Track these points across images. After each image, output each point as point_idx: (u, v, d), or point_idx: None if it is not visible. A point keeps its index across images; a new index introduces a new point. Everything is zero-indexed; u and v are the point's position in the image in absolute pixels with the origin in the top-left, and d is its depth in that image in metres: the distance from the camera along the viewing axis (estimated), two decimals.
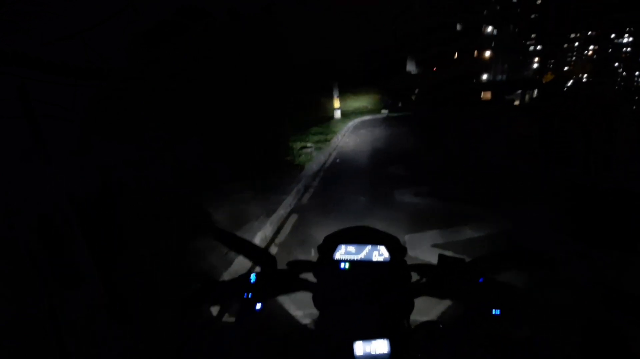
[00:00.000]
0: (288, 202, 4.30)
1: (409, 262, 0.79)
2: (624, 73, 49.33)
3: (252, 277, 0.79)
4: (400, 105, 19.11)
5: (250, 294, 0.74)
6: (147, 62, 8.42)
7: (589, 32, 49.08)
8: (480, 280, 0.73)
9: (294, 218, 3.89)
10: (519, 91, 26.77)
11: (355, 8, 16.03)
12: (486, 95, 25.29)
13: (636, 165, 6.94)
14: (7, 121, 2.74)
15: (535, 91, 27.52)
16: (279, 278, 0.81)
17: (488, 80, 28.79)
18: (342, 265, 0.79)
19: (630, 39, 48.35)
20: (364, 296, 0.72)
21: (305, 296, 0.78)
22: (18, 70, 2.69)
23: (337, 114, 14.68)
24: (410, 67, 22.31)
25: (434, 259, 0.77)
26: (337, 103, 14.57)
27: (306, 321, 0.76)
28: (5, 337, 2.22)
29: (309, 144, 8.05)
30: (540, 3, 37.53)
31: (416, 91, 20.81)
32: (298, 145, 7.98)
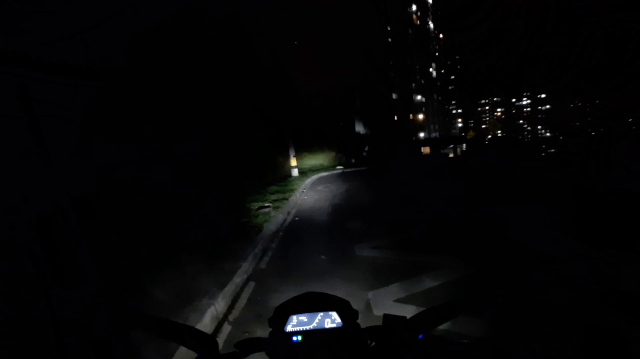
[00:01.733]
0: (244, 269, 3.91)
1: (371, 322, 0.79)
2: (529, 128, 65.21)
3: None
4: (353, 161, 20.62)
5: None
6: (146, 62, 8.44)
7: (494, 98, 66.85)
8: (420, 336, 0.73)
9: (250, 287, 3.59)
10: (451, 146, 32.33)
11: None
12: (425, 149, 29.94)
13: (636, 166, 6.95)
14: (7, 121, 2.75)
15: (464, 145, 33.61)
16: None
17: (425, 137, 36.31)
18: (295, 338, 0.75)
19: (529, 101, 65.52)
20: None
21: None
22: (18, 70, 2.69)
23: (295, 172, 15.35)
24: (359, 128, 25.28)
25: (399, 313, 0.78)
26: (294, 161, 15.39)
27: None
28: (5, 337, 2.23)
29: (266, 204, 7.76)
30: (454, 78, 53.65)
31: (366, 148, 23.05)
32: (256, 205, 7.76)
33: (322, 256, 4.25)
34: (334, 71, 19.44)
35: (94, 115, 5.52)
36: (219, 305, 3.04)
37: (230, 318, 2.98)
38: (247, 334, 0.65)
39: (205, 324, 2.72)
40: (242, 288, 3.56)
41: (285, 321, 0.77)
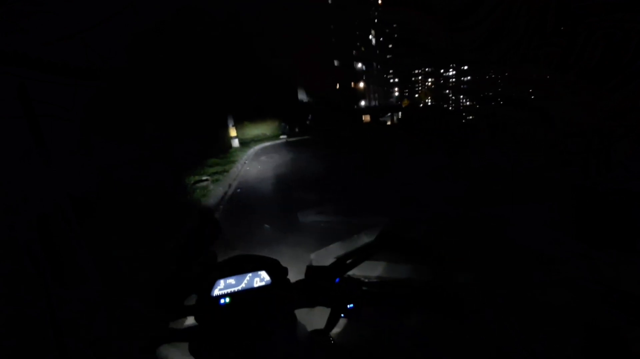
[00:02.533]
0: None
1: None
2: (453, 97, 66.88)
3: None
4: (297, 130, 20.47)
5: None
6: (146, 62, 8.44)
7: (427, 69, 68.65)
8: (337, 280, 0.77)
9: None
10: (389, 114, 34.26)
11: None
12: (366, 118, 30.80)
13: (636, 166, 6.95)
14: (7, 121, 2.75)
15: (400, 113, 35.16)
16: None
17: (366, 106, 37.43)
18: (222, 301, 0.76)
19: (454, 72, 67.63)
20: (246, 327, 0.72)
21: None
22: (18, 70, 2.69)
23: (235, 143, 14.58)
24: (302, 96, 25.15)
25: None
26: (233, 131, 14.53)
27: None
28: (5, 337, 2.22)
29: (204, 177, 7.20)
30: (391, 47, 53.88)
31: (310, 117, 22.99)
32: (192, 179, 7.14)
33: (266, 226, 4.25)
34: (277, 36, 19.12)
35: (94, 115, 5.51)
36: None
37: None
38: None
39: None
40: None
41: (212, 286, 0.77)
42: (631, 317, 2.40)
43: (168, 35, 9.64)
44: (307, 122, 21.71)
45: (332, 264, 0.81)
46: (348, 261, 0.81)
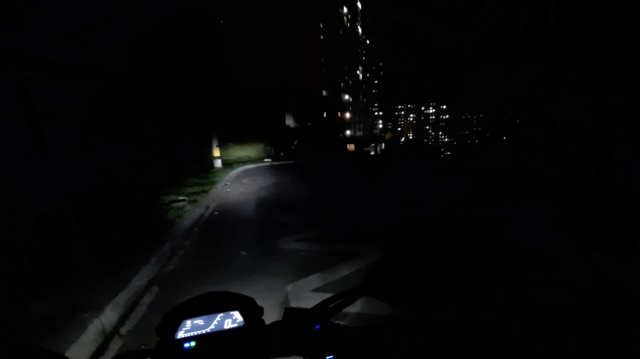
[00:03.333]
0: (145, 273, 3.43)
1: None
2: (432, 133, 79.35)
3: None
4: (282, 154, 20.72)
5: None
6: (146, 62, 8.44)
7: (409, 105, 79.52)
8: (317, 327, 0.71)
9: (152, 293, 3.16)
10: (373, 144, 36.86)
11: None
12: (351, 146, 32.28)
13: (636, 166, 6.95)
14: (7, 121, 2.75)
15: (383, 144, 38.51)
16: None
17: (351, 135, 39.73)
18: (187, 345, 0.68)
19: (433, 110, 79.02)
20: None
21: None
22: (18, 70, 2.69)
23: (218, 163, 14.10)
24: (289, 121, 25.73)
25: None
26: (217, 152, 14.29)
27: None
28: (5, 337, 2.22)
29: (180, 197, 6.99)
30: (378, 83, 62.16)
31: (295, 142, 23.34)
32: (167, 199, 6.87)
33: (243, 252, 4.06)
34: (268, 63, 19.78)
35: (94, 115, 5.51)
36: (108, 317, 2.64)
37: (123, 330, 2.61)
38: (143, 347, 0.61)
39: (87, 341, 2.32)
40: (140, 296, 3.12)
41: (176, 327, 0.69)
42: (631, 317, 2.40)
43: (168, 35, 9.65)
44: (292, 147, 21.95)
45: (315, 307, 0.74)
46: (331, 305, 0.75)
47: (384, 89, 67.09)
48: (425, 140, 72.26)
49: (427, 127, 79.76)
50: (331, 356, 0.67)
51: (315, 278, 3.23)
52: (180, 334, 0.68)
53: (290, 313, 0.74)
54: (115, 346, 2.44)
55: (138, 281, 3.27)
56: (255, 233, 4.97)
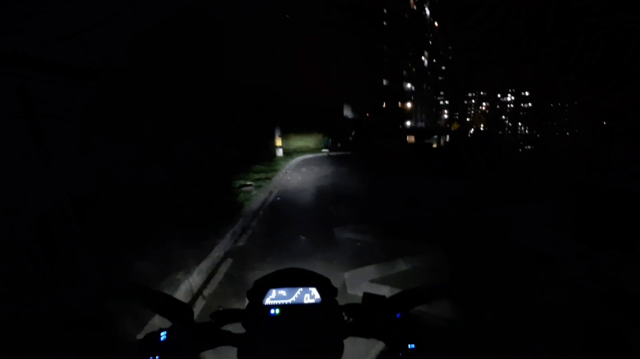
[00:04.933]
0: (222, 246, 3.93)
1: (345, 301, 0.80)
2: (510, 124, 67.07)
3: (163, 335, 0.69)
4: (339, 145, 20.74)
5: (157, 356, 0.66)
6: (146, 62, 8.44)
7: (481, 92, 67.73)
8: (398, 315, 0.74)
9: (227, 263, 3.61)
10: (435, 136, 33.14)
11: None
12: (410, 138, 30.03)
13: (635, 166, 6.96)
14: (7, 121, 2.75)
15: (447, 136, 33.59)
16: (198, 332, 0.74)
17: (411, 126, 36.89)
18: (273, 311, 0.76)
19: (512, 97, 66.54)
20: (295, 344, 0.71)
21: (234, 353, 0.72)
22: (18, 70, 2.69)
23: (279, 152, 15.21)
24: (347, 112, 25.21)
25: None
26: (279, 141, 15.28)
27: None
28: (5, 337, 2.23)
29: (248, 182, 7.78)
30: (445, 69, 52.91)
31: (353, 133, 22.98)
32: (238, 183, 7.79)
33: (302, 237, 4.27)
34: (329, 56, 19.79)
35: (94, 115, 5.52)
36: (194, 280, 3.06)
37: (205, 292, 2.98)
38: (221, 308, 0.66)
39: (176, 296, 2.68)
40: (218, 265, 3.57)
41: (263, 294, 0.77)
42: (631, 317, 2.40)
43: (168, 35, 9.66)
44: (350, 138, 21.79)
45: (394, 296, 0.79)
46: (414, 297, 0.78)
47: (452, 75, 56.14)
48: (500, 132, 62.57)
49: (503, 117, 67.54)
50: (413, 346, 0.69)
51: (372, 269, 3.27)
52: (267, 301, 0.77)
53: (369, 298, 0.79)
54: (199, 305, 2.77)
55: (216, 253, 3.77)
56: (313, 220, 5.23)
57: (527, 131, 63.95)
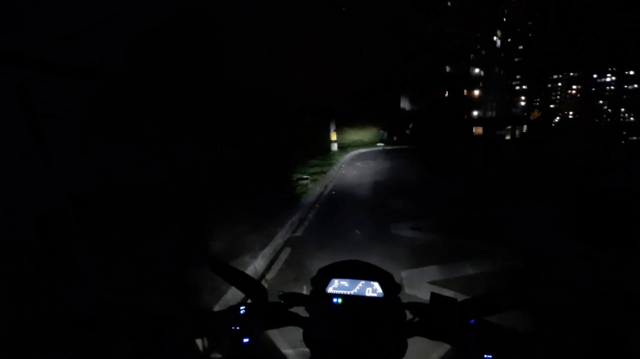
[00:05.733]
0: (281, 235, 4.18)
1: (404, 300, 0.79)
2: (609, 110, 53.19)
3: (242, 309, 0.77)
4: (395, 138, 19.74)
5: (238, 327, 0.73)
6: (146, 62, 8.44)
7: (571, 74, 54.08)
8: (472, 321, 0.71)
9: (286, 252, 3.76)
10: (509, 127, 28.95)
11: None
12: (478, 130, 26.73)
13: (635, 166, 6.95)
14: (7, 121, 2.75)
15: (525, 127, 29.10)
16: (270, 311, 0.79)
17: (479, 116, 31.55)
18: (335, 300, 0.77)
19: (613, 78, 53.03)
20: (357, 334, 0.71)
21: (297, 333, 0.76)
22: (18, 70, 2.69)
23: (334, 147, 15.28)
24: (404, 104, 23.68)
25: (428, 295, 0.77)
26: (334, 136, 15.34)
27: None
28: (5, 337, 2.23)
29: (305, 176, 8.07)
30: (523, 49, 41.25)
31: (410, 126, 21.58)
32: (295, 176, 8.10)
33: (357, 231, 4.28)
34: (382, 45, 18.87)
35: (94, 115, 5.52)
36: (259, 264, 3.43)
37: (268, 276, 3.23)
38: (280, 293, 0.70)
39: (249, 274, 3.07)
40: (278, 253, 3.81)
41: (327, 283, 0.79)
42: (631, 317, 2.40)
43: (168, 35, 9.67)
44: (407, 131, 20.69)
45: (467, 301, 0.74)
46: (488, 304, 0.72)
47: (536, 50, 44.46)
48: (597, 121, 49.71)
49: (601, 102, 52.48)
50: (490, 356, 0.64)
51: (433, 270, 3.13)
52: (330, 290, 0.79)
53: (437, 299, 0.77)
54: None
55: (278, 241, 4.07)
56: (368, 215, 5.19)
57: (632, 118, 50.95)
